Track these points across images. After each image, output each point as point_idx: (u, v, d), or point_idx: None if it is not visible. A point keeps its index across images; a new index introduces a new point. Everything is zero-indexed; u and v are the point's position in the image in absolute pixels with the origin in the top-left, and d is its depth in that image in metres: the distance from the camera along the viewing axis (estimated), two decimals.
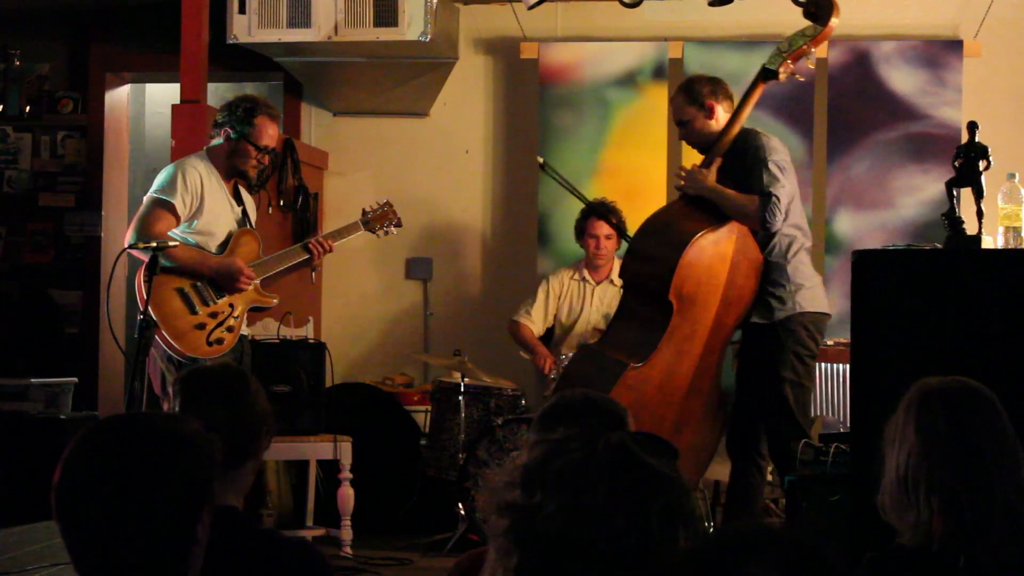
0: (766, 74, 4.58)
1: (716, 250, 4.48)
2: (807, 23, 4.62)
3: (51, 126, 7.09)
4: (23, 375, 5.87)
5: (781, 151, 4.52)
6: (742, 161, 4.55)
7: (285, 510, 5.97)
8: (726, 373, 4.83)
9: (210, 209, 4.57)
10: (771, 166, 4.45)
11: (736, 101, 4.70)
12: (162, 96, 7.70)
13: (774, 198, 4.40)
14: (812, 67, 4.76)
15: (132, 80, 7.33)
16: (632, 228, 5.82)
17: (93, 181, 7.01)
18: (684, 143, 4.93)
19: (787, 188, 4.45)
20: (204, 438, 1.71)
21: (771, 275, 4.51)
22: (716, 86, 4.71)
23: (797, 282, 4.50)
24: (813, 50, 4.57)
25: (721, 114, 4.65)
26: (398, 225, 5.17)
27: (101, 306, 6.83)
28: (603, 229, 5.82)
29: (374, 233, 5.11)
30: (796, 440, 4.22)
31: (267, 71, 6.72)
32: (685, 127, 4.72)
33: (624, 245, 5.47)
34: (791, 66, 4.56)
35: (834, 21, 4.54)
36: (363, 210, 5.11)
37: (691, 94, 4.68)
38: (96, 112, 7.04)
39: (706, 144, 4.68)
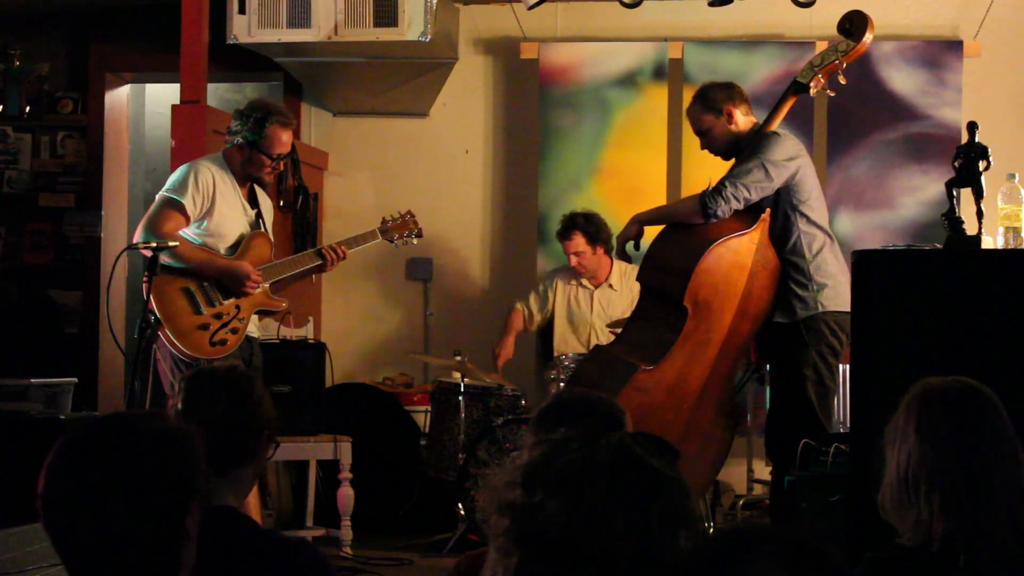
0: (797, 87, 4.56)
1: (735, 258, 4.41)
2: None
3: (51, 126, 7.08)
4: (23, 375, 5.87)
5: (780, 151, 4.44)
6: None
7: (285, 510, 5.97)
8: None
9: (221, 211, 4.57)
10: (751, 162, 4.41)
11: (750, 104, 4.67)
12: (162, 96, 7.70)
13: (721, 185, 4.38)
14: (844, 81, 4.70)
15: (132, 80, 7.33)
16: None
17: (93, 181, 7.01)
18: (702, 149, 4.84)
19: (760, 184, 4.38)
20: (184, 432, 1.72)
21: (793, 274, 4.44)
22: (731, 90, 4.65)
23: (820, 281, 4.43)
24: (845, 65, 4.55)
25: (740, 117, 4.58)
26: (419, 236, 5.12)
27: (101, 306, 6.82)
28: (574, 246, 5.86)
29: (392, 242, 5.08)
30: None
31: (267, 71, 6.72)
32: (706, 136, 4.64)
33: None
34: (822, 81, 4.54)
35: (868, 37, 4.50)
36: (383, 219, 5.07)
37: (707, 101, 4.61)
38: (96, 112, 7.03)
39: (728, 150, 4.62)
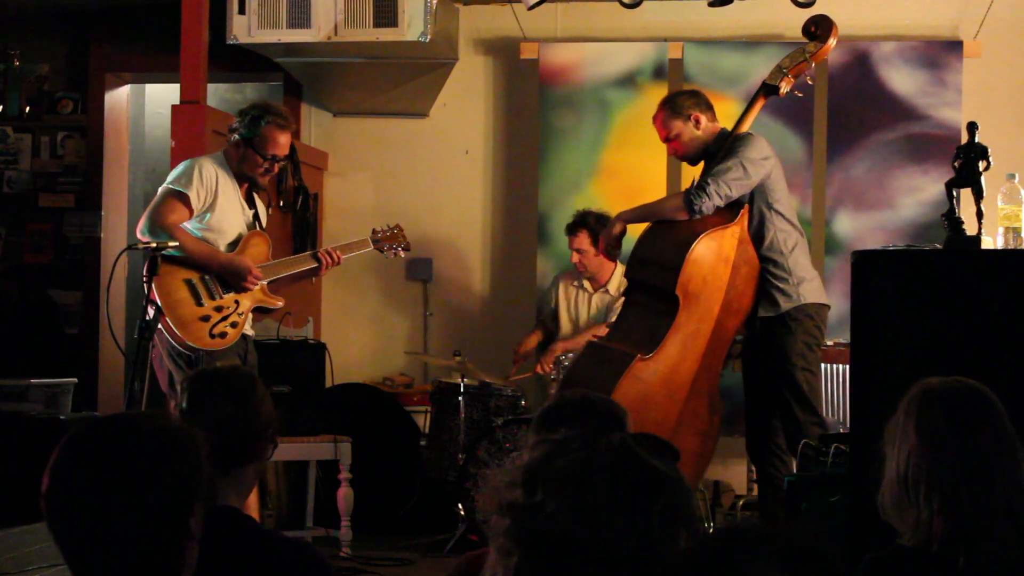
0: (767, 89, 4.72)
1: (720, 251, 4.56)
2: (809, 19, 4.77)
3: (51, 126, 7.09)
4: (23, 375, 5.87)
5: (755, 150, 4.58)
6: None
7: (285, 510, 5.97)
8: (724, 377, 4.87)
9: (222, 207, 4.60)
10: (729, 160, 4.55)
11: (715, 111, 4.81)
12: (162, 96, 7.71)
13: (704, 182, 4.52)
14: (811, 83, 4.88)
15: (132, 80, 7.33)
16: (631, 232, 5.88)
17: (93, 181, 7.01)
18: (669, 155, 5.02)
19: (740, 182, 4.53)
20: (187, 433, 1.72)
21: (773, 269, 4.60)
22: (697, 97, 4.82)
23: (799, 275, 4.60)
24: (813, 65, 4.74)
25: (706, 123, 4.74)
26: (406, 249, 5.19)
27: (101, 306, 6.83)
28: (578, 243, 5.86)
29: (382, 252, 5.14)
30: (816, 426, 4.34)
31: (267, 71, 6.71)
32: (675, 142, 4.78)
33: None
34: (791, 81, 4.71)
35: (832, 40, 4.70)
36: (373, 229, 5.13)
37: (674, 108, 4.76)
38: (96, 112, 7.04)
39: (696, 155, 4.77)
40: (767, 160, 4.60)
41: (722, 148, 4.63)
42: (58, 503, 1.64)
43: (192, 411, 2.45)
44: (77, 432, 1.69)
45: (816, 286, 4.66)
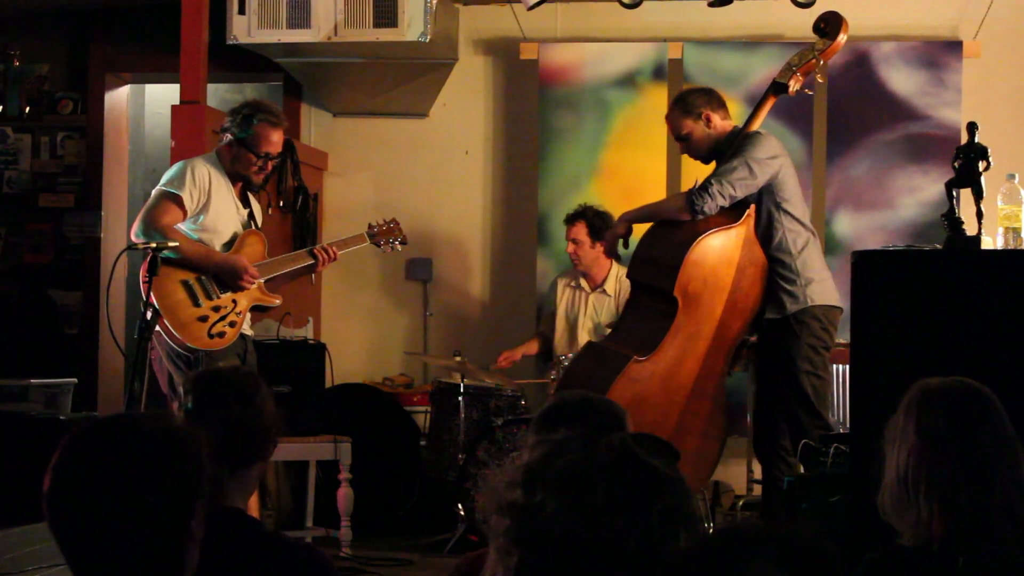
0: (777, 88, 4.69)
1: (722, 252, 4.53)
2: (809, 20, 4.76)
3: (51, 126, 7.09)
4: (23, 375, 5.87)
5: (762, 150, 4.55)
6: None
7: (285, 510, 5.97)
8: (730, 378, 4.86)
9: (216, 207, 4.60)
10: (735, 160, 4.52)
11: (728, 109, 4.79)
12: (162, 96, 7.71)
13: (708, 183, 4.50)
14: (821, 80, 4.84)
15: (132, 80, 7.33)
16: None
17: (93, 181, 7.01)
18: (681, 154, 5.01)
19: (745, 182, 4.50)
20: (188, 433, 1.73)
21: (780, 270, 4.56)
22: (709, 95, 4.79)
23: (807, 276, 4.55)
24: (823, 63, 4.70)
25: (718, 121, 4.71)
26: (403, 243, 5.20)
27: (101, 306, 6.83)
28: (575, 233, 5.87)
29: (379, 247, 5.14)
30: (820, 430, 4.29)
31: (267, 72, 6.72)
32: (686, 141, 4.76)
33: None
34: (801, 79, 4.68)
35: (842, 37, 4.66)
36: (369, 224, 5.14)
37: (686, 107, 4.74)
38: (96, 112, 7.04)
39: (708, 154, 4.74)
40: (775, 160, 4.55)
41: (731, 147, 4.62)
42: (59, 503, 1.65)
43: (198, 412, 2.44)
44: (78, 432, 1.70)
45: (826, 287, 4.59)
